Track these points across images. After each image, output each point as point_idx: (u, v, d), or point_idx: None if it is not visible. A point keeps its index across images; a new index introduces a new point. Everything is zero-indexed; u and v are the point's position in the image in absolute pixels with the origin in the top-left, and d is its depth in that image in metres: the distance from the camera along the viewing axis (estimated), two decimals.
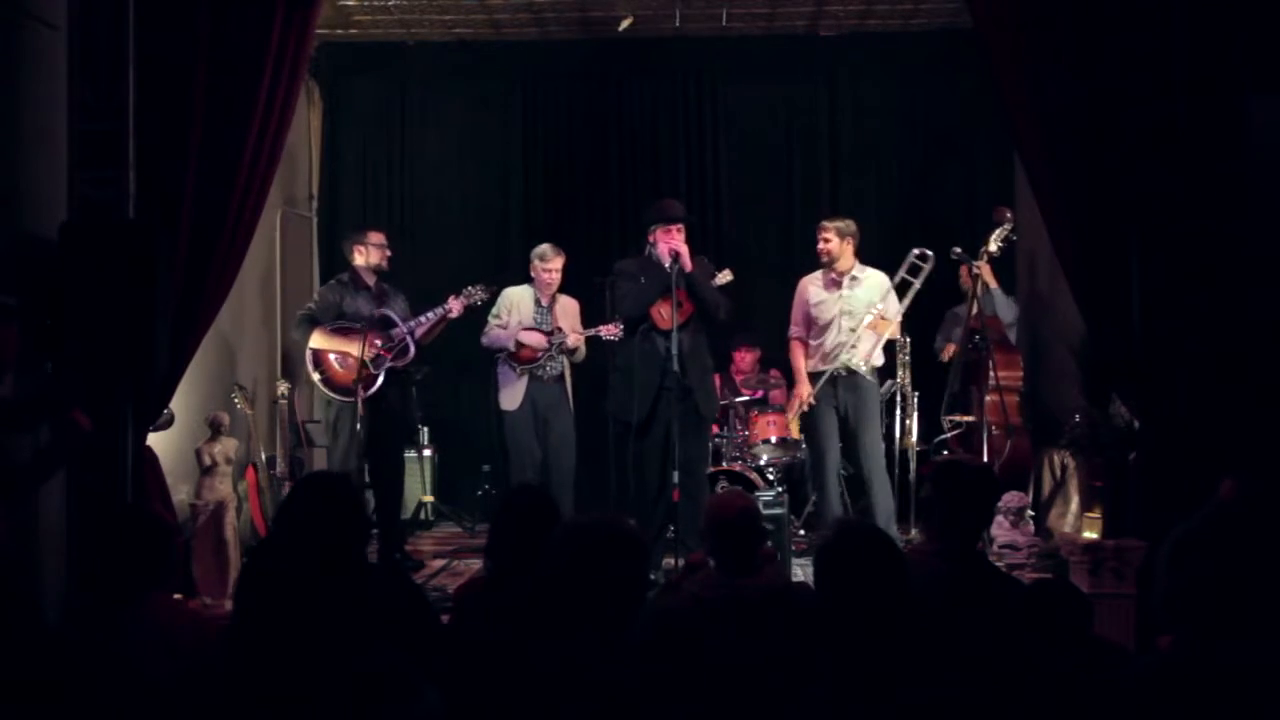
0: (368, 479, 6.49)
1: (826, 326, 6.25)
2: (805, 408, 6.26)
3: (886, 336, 6.31)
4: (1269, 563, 2.16)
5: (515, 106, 8.58)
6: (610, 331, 6.33)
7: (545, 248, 6.65)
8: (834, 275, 6.27)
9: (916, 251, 6.47)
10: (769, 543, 4.29)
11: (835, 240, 6.20)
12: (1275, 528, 2.28)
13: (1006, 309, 6.97)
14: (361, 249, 6.40)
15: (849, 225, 6.28)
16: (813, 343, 6.32)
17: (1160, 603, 2.22)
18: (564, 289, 6.75)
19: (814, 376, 6.28)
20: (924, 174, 8.31)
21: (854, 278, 6.25)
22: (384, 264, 6.45)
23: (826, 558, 2.66)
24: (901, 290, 6.43)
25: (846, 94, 8.47)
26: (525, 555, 2.88)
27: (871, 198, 8.27)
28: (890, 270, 6.44)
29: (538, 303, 6.63)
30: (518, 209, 8.56)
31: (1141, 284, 4.63)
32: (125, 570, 2.87)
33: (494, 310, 6.64)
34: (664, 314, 5.66)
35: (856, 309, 6.21)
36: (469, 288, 6.41)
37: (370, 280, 6.42)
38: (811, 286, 6.34)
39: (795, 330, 6.39)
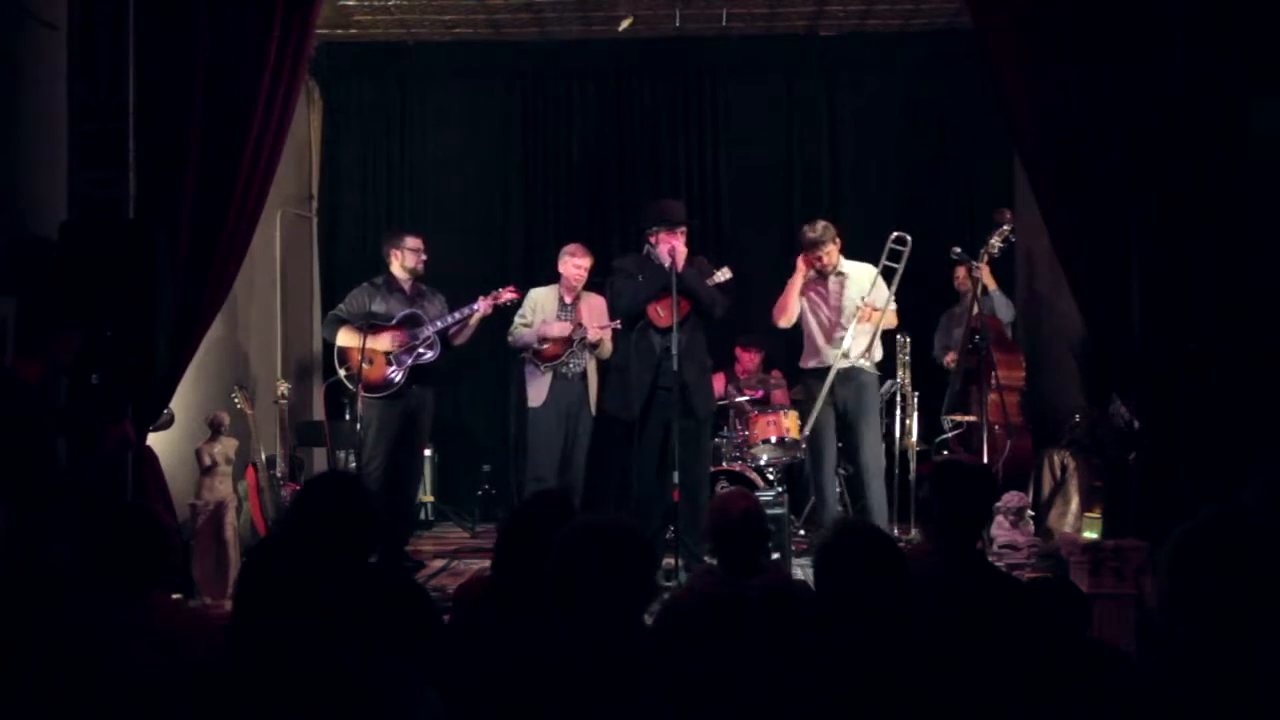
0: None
1: (814, 319, 6.25)
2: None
3: (881, 327, 6.24)
4: (1271, 563, 2.16)
5: (515, 106, 8.57)
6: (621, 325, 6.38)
7: (575, 246, 6.67)
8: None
9: (895, 235, 6.40)
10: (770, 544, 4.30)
11: (834, 249, 6.19)
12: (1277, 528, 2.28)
13: (1005, 309, 6.99)
14: (397, 253, 6.40)
15: (832, 227, 6.24)
16: (806, 337, 6.31)
17: (1162, 601, 2.23)
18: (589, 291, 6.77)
19: (813, 374, 6.27)
20: (924, 174, 8.30)
21: (840, 273, 6.25)
22: (419, 268, 6.42)
23: (826, 557, 2.66)
24: (887, 277, 6.37)
25: (846, 94, 8.46)
26: (533, 557, 2.87)
27: (871, 198, 8.27)
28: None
29: (561, 302, 6.65)
30: (518, 209, 8.55)
31: (1141, 283, 4.63)
32: (125, 570, 2.87)
33: (520, 311, 6.65)
34: (661, 312, 5.66)
35: (844, 305, 6.22)
36: (499, 289, 6.41)
37: (406, 283, 6.42)
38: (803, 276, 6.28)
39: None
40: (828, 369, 6.19)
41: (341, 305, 6.48)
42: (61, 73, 4.83)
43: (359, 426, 6.30)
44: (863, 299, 6.19)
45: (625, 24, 7.78)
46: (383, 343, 6.22)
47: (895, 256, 6.41)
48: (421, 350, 6.27)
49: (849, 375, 6.18)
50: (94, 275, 4.46)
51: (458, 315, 6.33)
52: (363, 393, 6.22)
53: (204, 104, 4.96)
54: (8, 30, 4.61)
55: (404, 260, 6.39)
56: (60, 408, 4.35)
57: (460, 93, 8.58)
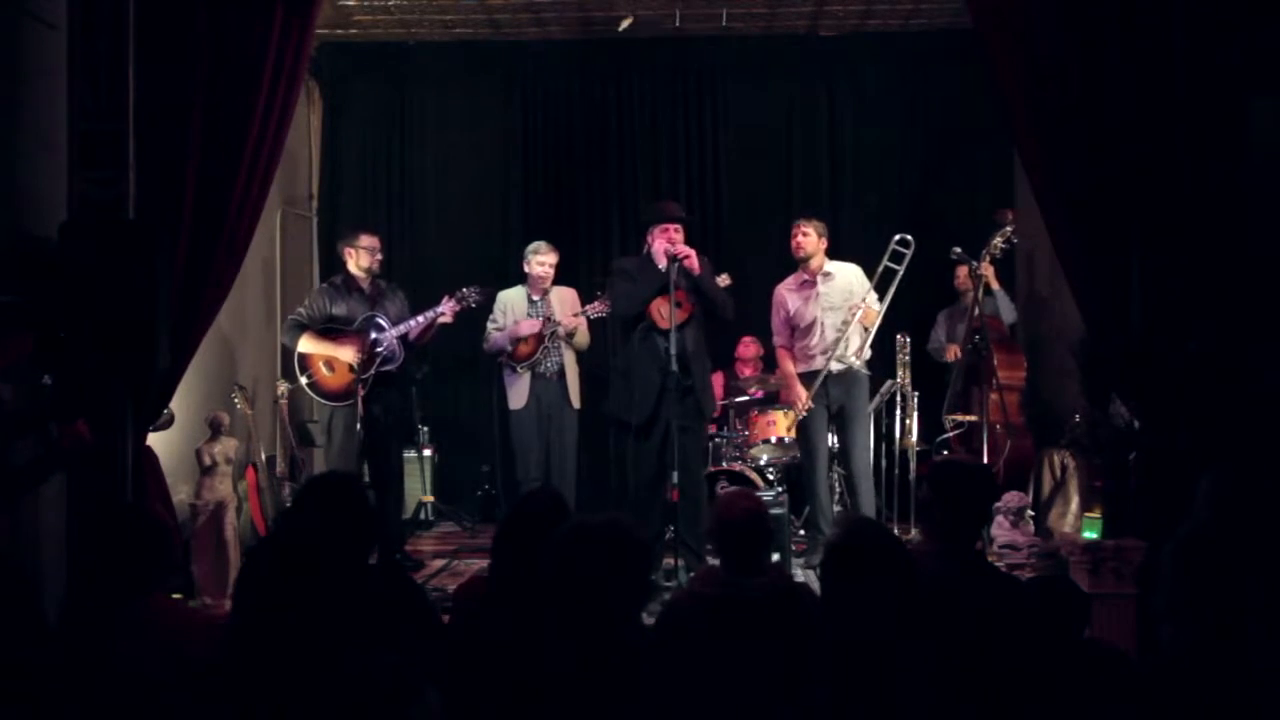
0: (367, 479, 6.47)
1: (810, 328, 6.27)
2: (805, 411, 6.25)
3: (878, 323, 6.31)
4: (1270, 565, 2.16)
5: (515, 106, 8.58)
6: (597, 309, 6.41)
7: (539, 244, 6.72)
8: (806, 276, 6.31)
9: (897, 238, 6.49)
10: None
11: (813, 237, 6.26)
12: (1275, 530, 2.28)
13: (1008, 310, 6.98)
14: (352, 252, 6.38)
15: (823, 225, 6.34)
16: (799, 344, 6.33)
17: (1164, 600, 2.23)
18: (563, 285, 6.78)
19: (805, 377, 6.28)
20: (924, 174, 8.31)
21: (826, 274, 6.29)
22: (375, 266, 6.41)
23: (835, 556, 2.65)
24: (886, 279, 6.43)
25: (846, 94, 8.47)
26: (530, 557, 2.88)
27: (871, 198, 8.27)
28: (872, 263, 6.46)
29: (530, 300, 6.67)
30: (518, 209, 8.56)
31: (1141, 284, 4.63)
32: (125, 570, 2.87)
33: (491, 315, 6.66)
34: (664, 313, 5.65)
35: (836, 304, 6.23)
36: (463, 289, 6.38)
37: (364, 282, 6.40)
38: (786, 294, 6.38)
39: (779, 340, 6.42)
40: (817, 373, 6.21)
41: (301, 309, 6.45)
42: (61, 73, 4.82)
43: (322, 432, 6.37)
44: (864, 300, 6.22)
45: (625, 24, 7.79)
46: (345, 353, 6.20)
47: (897, 258, 6.44)
48: (384, 355, 6.23)
49: (841, 376, 6.21)
50: (94, 275, 4.44)
51: (420, 319, 6.30)
52: (328, 402, 6.23)
53: (204, 104, 4.95)
54: (8, 30, 4.60)
55: (359, 260, 6.37)
56: (17, 408, 4.30)
57: (460, 93, 8.59)
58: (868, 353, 6.33)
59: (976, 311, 6.52)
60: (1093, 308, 4.91)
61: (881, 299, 6.42)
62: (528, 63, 8.45)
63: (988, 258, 6.51)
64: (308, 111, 8.30)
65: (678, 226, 5.78)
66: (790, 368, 6.35)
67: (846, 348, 6.20)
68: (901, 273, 6.45)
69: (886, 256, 6.47)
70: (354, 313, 6.27)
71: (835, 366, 6.19)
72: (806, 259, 6.27)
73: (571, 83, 8.59)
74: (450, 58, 8.42)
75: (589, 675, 2.41)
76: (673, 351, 5.50)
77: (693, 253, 5.65)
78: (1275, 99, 4.50)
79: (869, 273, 6.43)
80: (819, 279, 6.28)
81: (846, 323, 6.19)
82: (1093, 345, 5.47)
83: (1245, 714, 2.11)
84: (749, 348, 7.81)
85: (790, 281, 6.39)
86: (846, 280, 6.30)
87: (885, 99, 8.38)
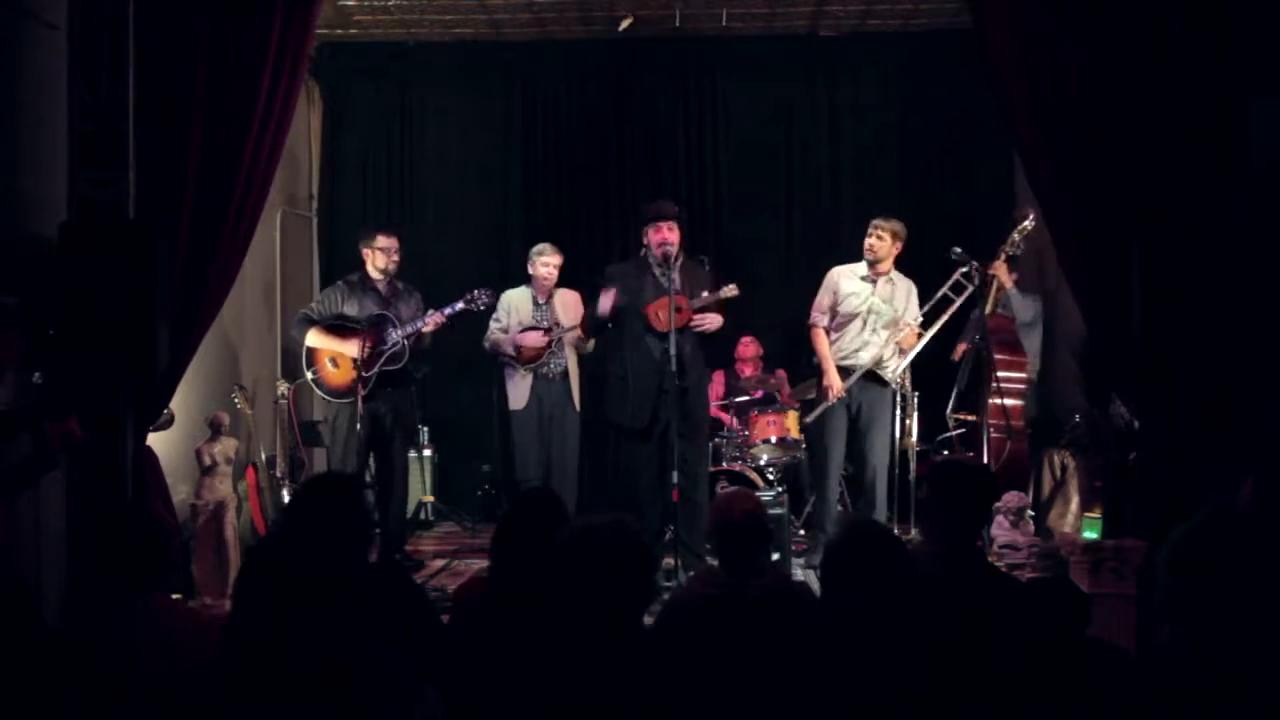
0: (369, 478, 6.48)
1: (848, 321, 6.19)
2: (835, 399, 6.12)
3: (918, 349, 6.28)
4: (1270, 563, 2.16)
5: (515, 106, 8.58)
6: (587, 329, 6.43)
7: (544, 245, 6.71)
8: (870, 274, 6.22)
9: (963, 270, 6.36)
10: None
11: (887, 241, 6.13)
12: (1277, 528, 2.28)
13: (1024, 308, 6.90)
14: (369, 252, 6.39)
15: (902, 229, 6.19)
16: (831, 335, 6.28)
17: (1161, 600, 2.23)
18: (564, 287, 6.77)
19: (837, 371, 6.23)
20: (924, 174, 8.31)
21: (890, 280, 6.22)
22: (392, 267, 6.40)
23: (835, 556, 2.65)
24: (943, 305, 6.37)
25: (846, 94, 8.47)
26: (529, 557, 2.88)
27: (871, 198, 8.25)
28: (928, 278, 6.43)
29: (535, 302, 6.67)
30: (517, 209, 8.56)
31: (1141, 284, 4.63)
32: (125, 570, 2.87)
33: (494, 315, 6.65)
34: (661, 316, 5.64)
35: (883, 311, 6.17)
36: (474, 291, 6.37)
37: (381, 283, 6.40)
38: (844, 278, 6.25)
39: (818, 318, 6.27)
40: (851, 369, 6.16)
41: (313, 304, 6.48)
42: (61, 73, 4.82)
43: (328, 430, 6.38)
44: (915, 320, 6.20)
45: (625, 24, 7.79)
46: (350, 348, 6.21)
47: (958, 289, 6.37)
48: (389, 354, 6.22)
49: (871, 381, 6.16)
50: (94, 274, 4.45)
51: (429, 321, 6.26)
52: (331, 398, 6.24)
53: (204, 104, 4.96)
54: (8, 30, 4.61)
55: (375, 260, 6.38)
56: (10, 407, 4.31)
57: (460, 93, 8.59)
58: (903, 366, 6.29)
59: (988, 310, 6.51)
60: (1093, 308, 4.92)
61: (929, 325, 6.34)
62: (528, 63, 8.45)
63: (1003, 255, 6.45)
64: (308, 111, 8.30)
65: (671, 224, 5.74)
66: (826, 349, 6.19)
67: (883, 361, 6.16)
68: (959, 305, 6.38)
69: (948, 285, 6.41)
70: (366, 312, 6.28)
71: (871, 368, 6.15)
72: (876, 262, 6.17)
73: (571, 83, 8.59)
74: (450, 58, 8.42)
75: (589, 676, 2.41)
76: (672, 353, 5.50)
77: (718, 320, 5.76)
78: (1275, 99, 4.50)
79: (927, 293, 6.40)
80: (879, 280, 6.20)
81: (889, 339, 6.17)
82: (1093, 345, 5.48)
83: (1244, 714, 2.11)
84: (749, 347, 7.81)
85: (854, 268, 6.25)
86: (901, 296, 6.23)
87: (885, 99, 8.38)
